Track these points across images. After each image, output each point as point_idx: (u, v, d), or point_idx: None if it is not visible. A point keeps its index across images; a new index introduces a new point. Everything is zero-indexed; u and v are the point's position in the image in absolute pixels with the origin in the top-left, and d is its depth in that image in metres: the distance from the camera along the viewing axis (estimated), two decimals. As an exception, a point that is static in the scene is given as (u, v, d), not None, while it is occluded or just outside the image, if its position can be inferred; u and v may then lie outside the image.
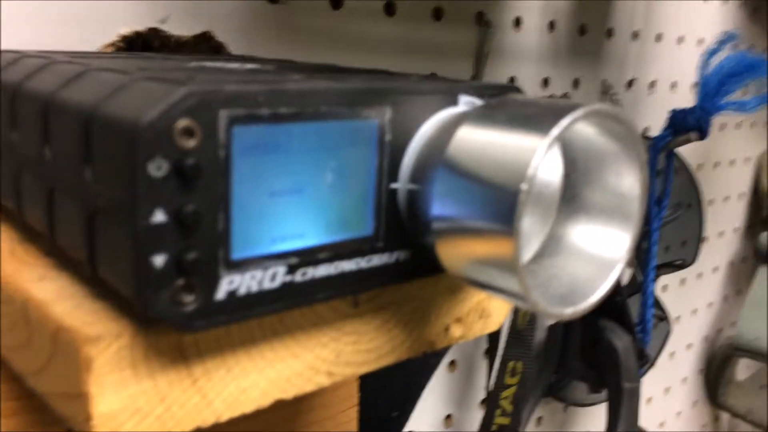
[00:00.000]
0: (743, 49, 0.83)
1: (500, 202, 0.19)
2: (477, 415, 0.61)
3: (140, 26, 0.37)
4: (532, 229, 0.23)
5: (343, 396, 0.38)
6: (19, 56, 0.28)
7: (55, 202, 0.22)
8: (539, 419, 0.72)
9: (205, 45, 0.40)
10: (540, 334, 0.59)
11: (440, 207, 0.21)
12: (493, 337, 0.55)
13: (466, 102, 0.24)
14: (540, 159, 0.18)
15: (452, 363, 0.59)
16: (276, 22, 0.43)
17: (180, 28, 0.39)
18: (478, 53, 0.55)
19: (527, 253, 0.23)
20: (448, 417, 0.59)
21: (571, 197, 0.24)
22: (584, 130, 0.22)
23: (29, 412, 0.28)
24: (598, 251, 0.23)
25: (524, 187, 0.18)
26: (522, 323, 0.53)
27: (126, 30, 0.37)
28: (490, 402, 0.53)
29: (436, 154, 0.21)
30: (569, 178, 0.24)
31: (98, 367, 0.18)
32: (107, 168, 0.19)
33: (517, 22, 0.59)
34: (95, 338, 0.18)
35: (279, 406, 0.22)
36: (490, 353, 0.55)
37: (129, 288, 0.18)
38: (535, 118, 0.20)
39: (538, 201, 0.23)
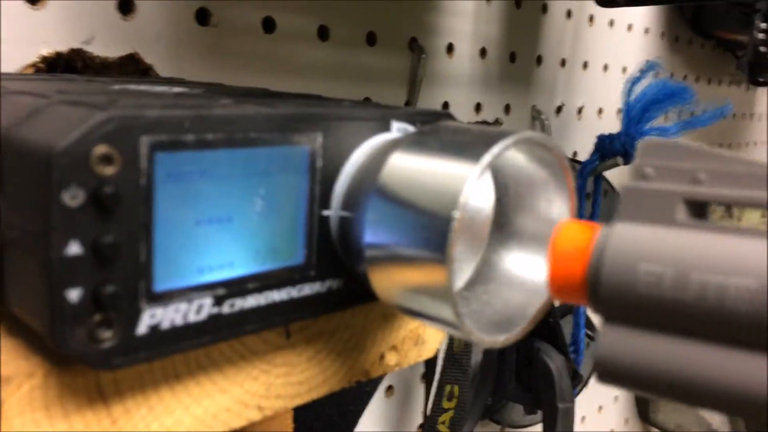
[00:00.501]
0: (664, 77, 0.86)
1: (432, 229, 0.19)
2: (414, 441, 0.61)
3: (63, 47, 0.36)
4: (464, 256, 0.23)
5: (278, 426, 0.37)
6: (-72, 77, 0.26)
7: (-36, 233, 0.21)
8: (476, 442, 0.72)
9: (132, 67, 0.39)
10: (476, 357, 0.60)
11: (372, 234, 0.20)
12: (430, 361, 0.54)
13: (398, 128, 0.24)
14: (471, 186, 0.18)
15: (389, 388, 0.58)
16: (206, 44, 0.42)
17: (105, 49, 0.38)
18: (412, 78, 0.56)
19: (460, 280, 0.23)
20: (386, 443, 0.59)
21: (503, 224, 0.24)
22: (515, 156, 0.22)
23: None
24: (529, 277, 0.23)
25: (456, 214, 0.18)
26: (458, 347, 0.53)
27: (47, 51, 0.36)
28: (428, 427, 0.53)
29: (368, 180, 0.21)
30: (501, 203, 0.24)
31: (8, 409, 0.17)
32: (20, 197, 0.18)
33: (450, 49, 0.59)
34: (5, 379, 0.17)
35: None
36: (427, 377, 0.55)
37: (42, 324, 0.17)
38: (467, 145, 0.20)
39: (470, 228, 0.23)
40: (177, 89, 0.28)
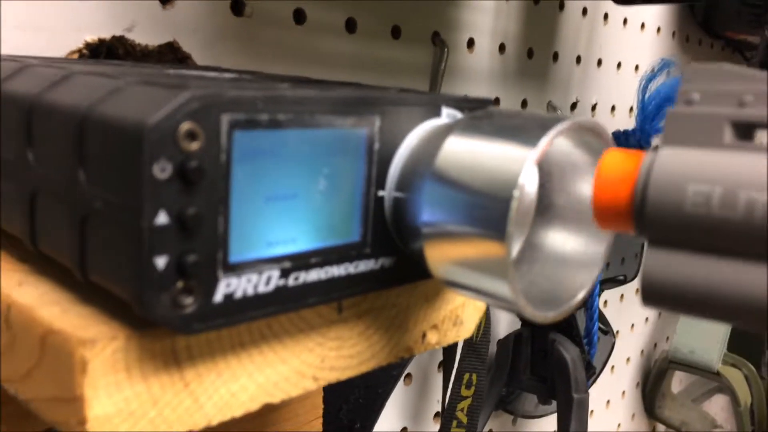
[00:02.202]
0: (677, 76, 0.87)
1: (493, 208, 0.20)
2: (431, 428, 0.62)
3: (106, 34, 0.37)
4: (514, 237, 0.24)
5: (308, 408, 0.38)
6: (-11, 59, 0.27)
7: (38, 206, 0.22)
8: (489, 431, 0.73)
9: (171, 55, 0.40)
10: (491, 348, 0.61)
11: (431, 213, 0.21)
12: (449, 349, 0.55)
13: (448, 114, 0.25)
14: (530, 168, 0.19)
15: (408, 376, 0.59)
16: (240, 34, 0.43)
17: (145, 37, 0.38)
18: (434, 72, 0.57)
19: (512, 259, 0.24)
20: (404, 430, 0.60)
21: (546, 207, 0.25)
22: (561, 142, 0.23)
23: (4, 420, 0.27)
24: (574, 256, 0.24)
25: (516, 194, 0.19)
26: (476, 336, 0.54)
27: (91, 37, 0.37)
28: (447, 413, 0.54)
29: (424, 162, 0.22)
30: (544, 188, 0.25)
31: (93, 370, 0.18)
32: (105, 170, 0.19)
33: (470, 44, 0.60)
34: (90, 341, 0.18)
35: (247, 417, 0.22)
36: (445, 366, 0.56)
37: (129, 290, 0.18)
38: (522, 129, 0.21)
39: (519, 210, 0.24)
40: (228, 75, 0.29)
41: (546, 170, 0.25)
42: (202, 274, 0.19)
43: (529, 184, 0.24)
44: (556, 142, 0.22)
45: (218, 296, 0.19)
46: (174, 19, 0.39)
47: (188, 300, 0.18)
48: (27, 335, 0.20)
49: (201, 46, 0.41)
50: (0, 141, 0.24)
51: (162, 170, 0.17)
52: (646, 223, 0.18)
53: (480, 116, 0.23)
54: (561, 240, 0.24)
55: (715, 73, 0.19)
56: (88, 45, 0.37)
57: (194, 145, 0.18)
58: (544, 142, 0.20)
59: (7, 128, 0.23)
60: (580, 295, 0.22)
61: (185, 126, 0.18)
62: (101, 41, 0.37)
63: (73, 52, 0.36)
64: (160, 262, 0.18)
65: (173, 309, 0.18)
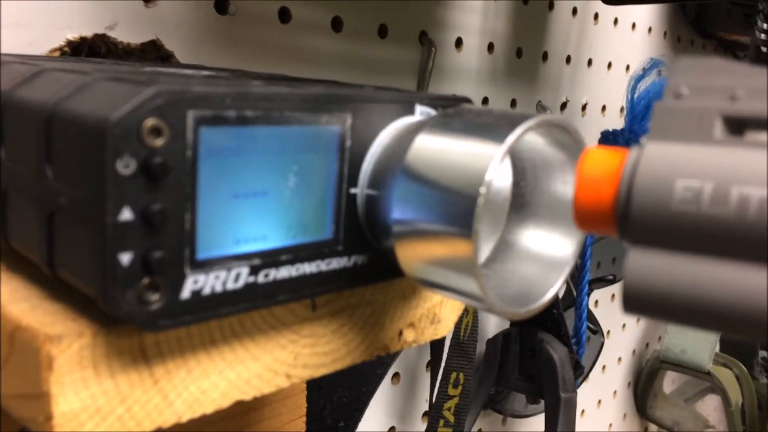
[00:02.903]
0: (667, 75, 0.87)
1: (459, 206, 0.20)
2: (419, 428, 0.62)
3: (87, 32, 0.37)
4: (484, 235, 0.24)
5: (291, 406, 0.38)
6: (-35, 57, 0.27)
7: (9, 203, 0.22)
8: (479, 431, 0.73)
9: (154, 53, 0.40)
10: (480, 347, 0.61)
11: (400, 211, 0.21)
12: (436, 348, 0.55)
13: (421, 111, 0.25)
14: (497, 165, 0.19)
15: (395, 375, 0.59)
16: (224, 33, 0.43)
17: (128, 35, 0.38)
18: (422, 71, 0.57)
19: (481, 257, 0.24)
20: (391, 429, 0.60)
21: (520, 205, 0.25)
22: (533, 140, 0.23)
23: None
24: (547, 254, 0.24)
25: (483, 191, 0.19)
26: (464, 335, 0.54)
27: (73, 35, 0.37)
28: (434, 412, 0.54)
29: (395, 160, 0.22)
30: (518, 186, 0.25)
31: (59, 367, 0.18)
32: (71, 166, 0.19)
33: (459, 43, 0.60)
34: (57, 337, 0.18)
35: (227, 416, 0.22)
36: (433, 365, 0.56)
37: (94, 286, 0.18)
38: (491, 126, 0.21)
39: (490, 208, 0.24)
40: (205, 72, 0.29)
41: (520, 168, 0.25)
42: (169, 270, 0.19)
43: (497, 181, 0.24)
44: (526, 139, 0.22)
45: (185, 293, 0.19)
46: (157, 17, 0.39)
47: (154, 297, 0.18)
48: (-4, 332, 0.20)
49: (184, 44, 0.41)
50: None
51: (125, 166, 0.17)
52: (630, 223, 0.17)
53: (451, 114, 0.23)
54: (534, 238, 0.24)
55: (706, 68, 0.18)
56: (69, 43, 0.37)
57: (159, 141, 0.18)
58: (511, 140, 0.20)
59: (-21, 125, 0.23)
60: (551, 293, 0.22)
61: (150, 122, 0.18)
62: (83, 39, 0.37)
63: (54, 50, 0.36)
64: (125, 258, 0.18)
65: (139, 305, 0.18)
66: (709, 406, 1.21)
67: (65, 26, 0.36)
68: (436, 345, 0.52)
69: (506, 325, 0.65)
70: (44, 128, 0.19)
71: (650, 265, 0.17)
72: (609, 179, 0.18)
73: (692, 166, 0.16)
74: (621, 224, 0.17)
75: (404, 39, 0.55)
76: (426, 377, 0.63)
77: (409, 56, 0.56)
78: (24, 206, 0.21)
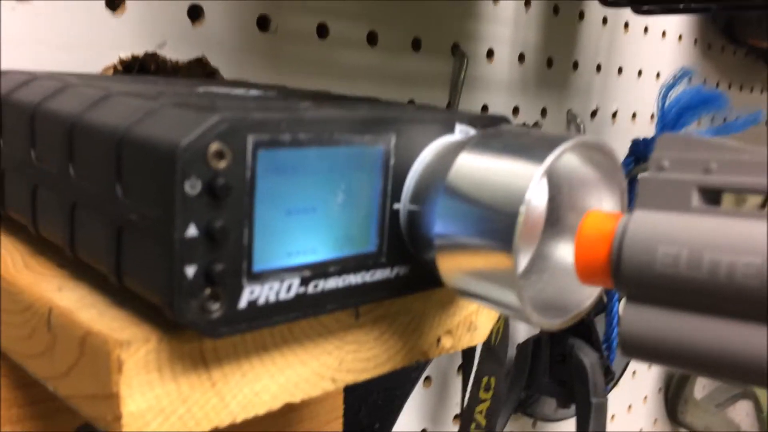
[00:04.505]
0: (698, 84, 0.88)
1: (501, 222, 0.21)
2: (451, 430, 0.63)
3: (138, 51, 0.39)
4: (522, 248, 0.25)
5: (329, 408, 0.40)
6: (32, 77, 0.29)
7: (78, 217, 0.24)
8: (507, 436, 0.74)
9: (200, 70, 0.42)
10: (510, 352, 0.62)
11: (443, 226, 0.23)
12: (468, 353, 0.57)
13: (461, 130, 0.26)
14: (536, 184, 0.21)
15: (427, 379, 0.61)
16: (265, 49, 0.45)
17: (176, 53, 0.40)
18: (454, 82, 0.58)
19: (519, 270, 0.25)
20: (423, 431, 0.61)
21: (555, 220, 0.26)
22: (570, 159, 0.24)
23: (33, 419, 0.29)
24: (580, 268, 0.25)
25: (523, 209, 0.20)
26: (495, 340, 0.55)
27: (125, 54, 0.39)
28: (466, 416, 0.55)
29: (437, 177, 0.23)
30: (554, 202, 0.26)
31: (128, 370, 0.20)
32: (141, 186, 0.20)
33: (490, 54, 0.62)
34: (126, 342, 0.20)
35: (269, 417, 0.24)
36: (464, 369, 0.57)
37: (160, 296, 0.20)
38: (529, 147, 0.22)
39: (528, 223, 0.25)
40: (253, 92, 0.31)
41: (555, 184, 0.26)
42: (228, 282, 0.20)
43: (535, 199, 0.25)
44: (563, 159, 0.23)
45: (242, 303, 0.21)
46: (203, 36, 0.41)
47: (215, 306, 0.20)
48: (67, 336, 0.22)
49: (228, 60, 0.43)
50: (44, 155, 0.26)
51: (192, 187, 0.19)
52: (622, 280, 0.20)
53: (491, 134, 0.24)
54: (569, 251, 0.25)
55: (684, 142, 0.20)
56: (122, 61, 0.39)
57: (222, 164, 0.19)
58: (549, 160, 0.21)
59: (51, 144, 0.25)
60: (586, 304, 0.24)
61: (214, 146, 0.19)
62: (134, 58, 0.39)
63: (108, 68, 0.38)
64: (190, 270, 0.19)
65: (201, 314, 0.20)
66: (741, 412, 1.20)
67: (119, 46, 0.38)
68: (468, 350, 0.53)
69: (536, 330, 0.66)
70: (116, 151, 0.21)
71: (641, 316, 0.19)
72: (604, 241, 0.20)
73: (671, 234, 0.19)
74: (616, 280, 0.20)
75: (437, 51, 0.56)
76: (457, 381, 0.64)
77: (442, 68, 0.57)
78: (93, 220, 0.23)
